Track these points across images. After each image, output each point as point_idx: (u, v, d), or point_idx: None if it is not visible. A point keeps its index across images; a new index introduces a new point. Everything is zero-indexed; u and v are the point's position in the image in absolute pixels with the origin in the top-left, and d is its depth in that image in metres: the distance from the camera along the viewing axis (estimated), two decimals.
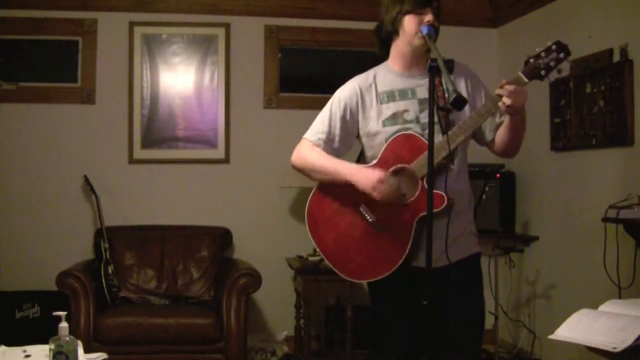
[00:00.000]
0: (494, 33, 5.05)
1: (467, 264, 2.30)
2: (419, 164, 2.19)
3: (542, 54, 2.15)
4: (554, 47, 2.15)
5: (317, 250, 2.37)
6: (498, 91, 2.13)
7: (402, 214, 2.22)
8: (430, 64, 1.97)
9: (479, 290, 2.36)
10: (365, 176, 2.21)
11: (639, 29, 3.47)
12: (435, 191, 2.12)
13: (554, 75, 2.18)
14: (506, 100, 2.10)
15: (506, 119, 2.24)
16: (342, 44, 4.93)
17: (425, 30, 2.15)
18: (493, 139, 2.34)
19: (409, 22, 2.21)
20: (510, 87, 2.10)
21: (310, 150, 2.35)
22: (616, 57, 3.59)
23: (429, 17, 2.19)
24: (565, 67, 2.25)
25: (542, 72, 2.15)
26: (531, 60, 2.16)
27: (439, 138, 2.18)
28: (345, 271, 2.30)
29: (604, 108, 3.70)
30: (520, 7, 4.62)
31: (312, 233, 2.34)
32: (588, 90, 3.83)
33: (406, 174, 2.23)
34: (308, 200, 2.37)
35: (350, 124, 2.34)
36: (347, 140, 2.37)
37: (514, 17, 4.76)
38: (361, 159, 2.45)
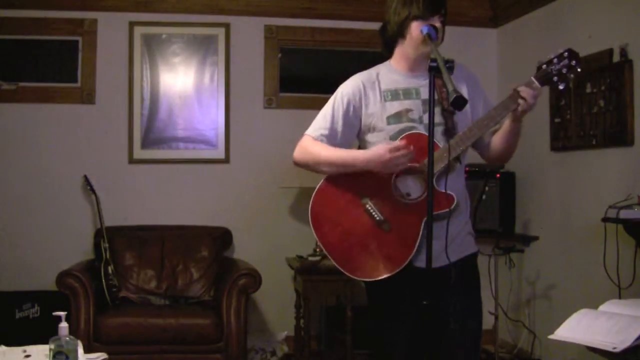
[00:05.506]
0: (494, 33, 5.05)
1: (466, 263, 2.30)
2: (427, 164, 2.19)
3: (555, 60, 2.14)
4: (565, 54, 2.14)
5: (319, 248, 2.35)
6: (522, 93, 2.10)
7: (410, 213, 2.21)
8: (430, 64, 1.98)
9: (477, 290, 2.36)
10: (373, 151, 2.20)
11: (639, 29, 3.47)
12: (443, 191, 2.13)
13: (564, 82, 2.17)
14: (523, 104, 2.10)
15: (505, 125, 2.24)
16: (342, 44, 4.93)
17: (425, 30, 2.15)
18: (489, 143, 2.34)
19: (416, 28, 2.20)
20: (532, 92, 2.10)
21: (313, 144, 2.34)
22: (616, 57, 3.60)
23: (436, 25, 2.19)
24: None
25: (555, 79, 2.15)
26: (543, 66, 2.16)
27: (444, 139, 2.19)
28: (348, 269, 2.29)
29: (604, 108, 3.70)
30: (520, 7, 4.62)
31: (316, 230, 2.33)
32: (588, 90, 3.84)
33: (414, 173, 2.23)
34: (312, 197, 2.35)
35: (352, 120, 2.34)
36: (348, 137, 2.36)
37: (514, 17, 4.76)
38: None
